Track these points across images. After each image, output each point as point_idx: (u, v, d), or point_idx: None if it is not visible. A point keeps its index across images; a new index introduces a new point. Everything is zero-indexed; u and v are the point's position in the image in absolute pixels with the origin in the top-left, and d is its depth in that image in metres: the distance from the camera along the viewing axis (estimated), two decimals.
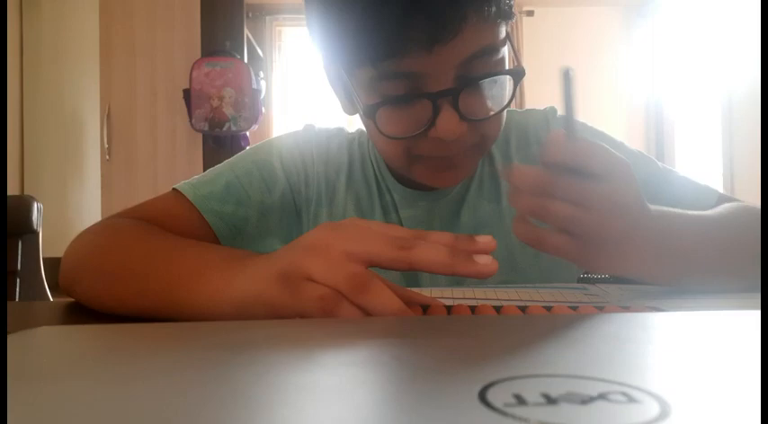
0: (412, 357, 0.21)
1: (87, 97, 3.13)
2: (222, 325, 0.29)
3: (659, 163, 0.66)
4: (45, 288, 1.11)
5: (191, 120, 2.73)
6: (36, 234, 1.10)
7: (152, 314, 0.42)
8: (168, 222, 0.57)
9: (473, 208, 0.66)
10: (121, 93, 2.80)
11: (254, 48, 3.21)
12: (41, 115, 3.21)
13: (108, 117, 2.79)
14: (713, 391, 0.17)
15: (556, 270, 0.65)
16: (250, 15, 3.48)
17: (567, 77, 0.42)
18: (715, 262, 0.48)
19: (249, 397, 0.16)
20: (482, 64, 0.50)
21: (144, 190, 2.71)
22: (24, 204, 1.09)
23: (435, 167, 0.56)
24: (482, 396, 0.16)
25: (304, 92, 3.75)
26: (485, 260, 0.34)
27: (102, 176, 2.81)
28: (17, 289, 1.06)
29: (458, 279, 0.61)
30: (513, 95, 0.53)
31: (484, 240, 0.35)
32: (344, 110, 0.61)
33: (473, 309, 0.40)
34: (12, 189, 3.04)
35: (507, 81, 0.53)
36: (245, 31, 2.91)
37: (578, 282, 0.68)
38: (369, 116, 0.52)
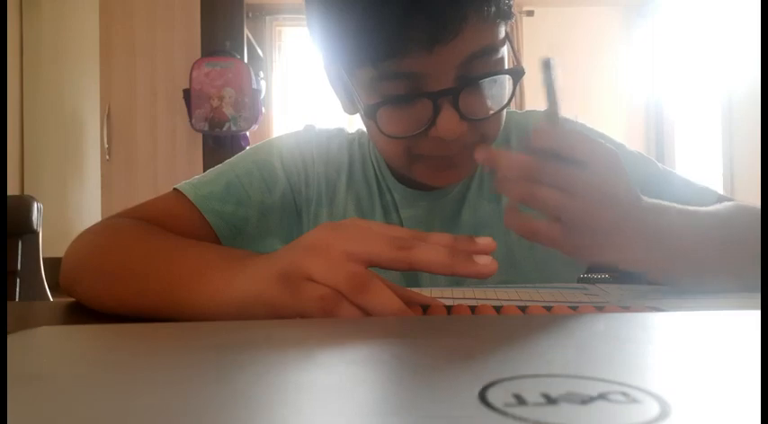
0: (412, 357, 0.21)
1: (87, 97, 3.13)
2: (222, 325, 0.29)
3: (659, 165, 0.66)
4: (45, 288, 1.11)
5: (191, 120, 2.73)
6: (36, 234, 1.10)
7: (152, 314, 0.42)
8: (169, 222, 0.57)
9: (473, 208, 0.66)
10: (121, 93, 2.80)
11: (254, 48, 3.21)
12: (41, 115, 3.21)
13: (108, 117, 2.79)
14: (713, 391, 0.17)
15: (556, 270, 0.65)
16: (250, 15, 3.48)
17: (547, 67, 0.43)
18: (711, 258, 0.49)
19: (249, 397, 0.16)
20: (482, 63, 0.50)
21: (144, 190, 2.71)
22: (24, 204, 1.09)
23: (436, 166, 0.56)
24: (482, 396, 0.16)
25: (304, 92, 3.75)
26: (484, 261, 0.34)
27: (102, 176, 2.81)
28: (17, 289, 1.06)
29: (458, 279, 0.61)
30: (513, 95, 0.53)
31: (484, 241, 0.35)
32: (345, 110, 0.61)
33: (473, 309, 0.40)
34: (12, 189, 3.04)
35: (507, 81, 0.53)
36: (245, 31, 2.91)
37: (578, 282, 0.68)
38: (369, 116, 0.52)
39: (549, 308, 0.41)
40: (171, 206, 0.61)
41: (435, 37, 0.46)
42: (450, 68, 0.49)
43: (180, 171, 2.75)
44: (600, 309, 0.41)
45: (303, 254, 0.36)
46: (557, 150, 0.42)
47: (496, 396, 0.16)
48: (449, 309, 0.41)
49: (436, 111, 0.50)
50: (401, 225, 0.65)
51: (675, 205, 0.49)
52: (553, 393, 0.16)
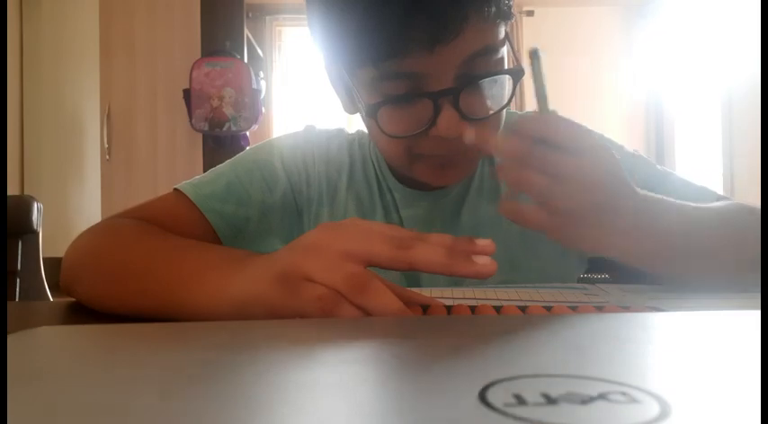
0: (412, 357, 0.21)
1: (87, 97, 3.13)
2: (222, 325, 0.29)
3: (658, 166, 0.66)
4: (45, 288, 1.11)
5: (191, 120, 2.73)
6: (36, 234, 1.10)
7: (152, 314, 0.42)
8: (169, 222, 0.57)
9: (473, 208, 0.66)
10: (121, 93, 2.80)
11: (254, 48, 3.21)
12: (41, 115, 3.21)
13: (108, 117, 2.79)
14: (713, 391, 0.17)
15: (555, 270, 0.66)
16: (250, 15, 3.48)
17: (535, 56, 0.45)
18: (708, 253, 0.49)
19: (249, 396, 0.16)
20: (482, 63, 0.50)
21: (144, 190, 2.71)
22: (24, 204, 1.09)
23: (436, 166, 0.57)
24: (482, 396, 0.16)
25: (304, 92, 3.75)
26: (483, 261, 0.34)
27: (102, 176, 2.81)
28: (17, 289, 1.06)
29: (457, 279, 0.61)
30: (513, 95, 0.54)
31: (483, 243, 0.35)
32: (345, 110, 0.61)
33: (473, 309, 0.40)
34: (12, 189, 3.03)
35: (507, 81, 0.53)
36: (245, 31, 2.91)
37: (578, 282, 0.68)
38: (370, 115, 0.52)
39: (549, 308, 0.41)
40: (171, 206, 0.61)
41: (436, 37, 0.46)
42: (451, 68, 0.49)
43: (180, 171, 2.75)
44: (600, 309, 0.41)
45: (302, 254, 0.36)
46: (544, 135, 0.43)
47: (496, 396, 0.16)
48: (449, 309, 0.41)
49: (437, 111, 0.50)
50: (401, 224, 0.66)
51: (673, 199, 0.49)
52: (553, 393, 0.16)
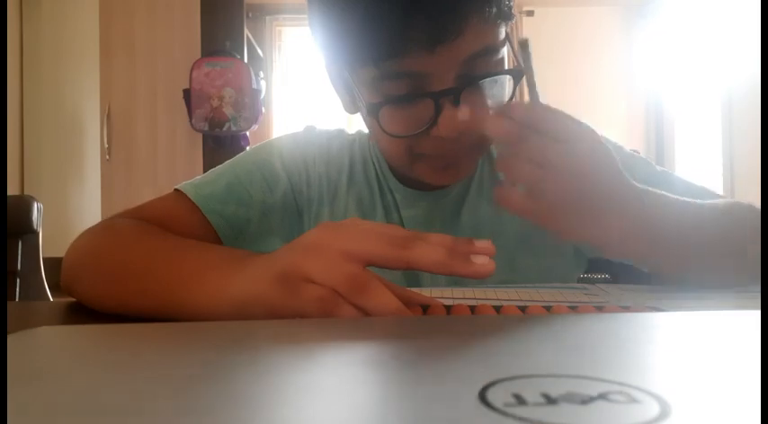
0: (412, 357, 0.21)
1: (87, 97, 3.13)
2: (222, 325, 0.29)
3: (657, 166, 0.66)
4: (45, 288, 1.11)
5: (191, 120, 2.73)
6: (36, 234, 1.10)
7: (152, 314, 0.42)
8: (170, 222, 0.57)
9: (473, 208, 0.66)
10: (121, 93, 2.80)
11: (254, 48, 3.21)
12: (41, 115, 3.21)
13: (108, 117, 2.79)
14: (713, 391, 0.17)
15: (555, 270, 0.66)
16: (250, 15, 3.48)
17: (525, 46, 0.46)
18: (706, 249, 0.49)
19: (249, 397, 0.16)
20: (483, 64, 0.51)
21: (144, 190, 2.71)
22: (24, 204, 1.09)
23: (437, 166, 0.57)
24: (482, 396, 0.16)
25: (304, 92, 3.75)
26: (482, 261, 0.34)
27: (102, 176, 2.80)
28: (17, 289, 1.06)
29: (457, 279, 0.61)
30: (513, 95, 0.54)
31: (482, 244, 0.35)
32: (346, 109, 0.61)
33: (473, 309, 0.40)
34: (12, 189, 3.03)
35: (507, 81, 0.53)
36: (245, 31, 2.91)
37: (578, 282, 0.68)
38: (372, 115, 0.52)
39: (548, 308, 0.41)
40: (172, 206, 0.61)
41: (437, 37, 0.47)
42: (452, 68, 0.49)
43: (180, 171, 2.75)
44: (600, 309, 0.41)
45: (302, 254, 0.36)
46: (533, 123, 0.44)
47: (496, 396, 0.16)
48: (448, 309, 0.41)
49: (438, 111, 0.50)
50: (402, 225, 0.66)
51: (675, 196, 0.49)
52: (553, 393, 0.16)
